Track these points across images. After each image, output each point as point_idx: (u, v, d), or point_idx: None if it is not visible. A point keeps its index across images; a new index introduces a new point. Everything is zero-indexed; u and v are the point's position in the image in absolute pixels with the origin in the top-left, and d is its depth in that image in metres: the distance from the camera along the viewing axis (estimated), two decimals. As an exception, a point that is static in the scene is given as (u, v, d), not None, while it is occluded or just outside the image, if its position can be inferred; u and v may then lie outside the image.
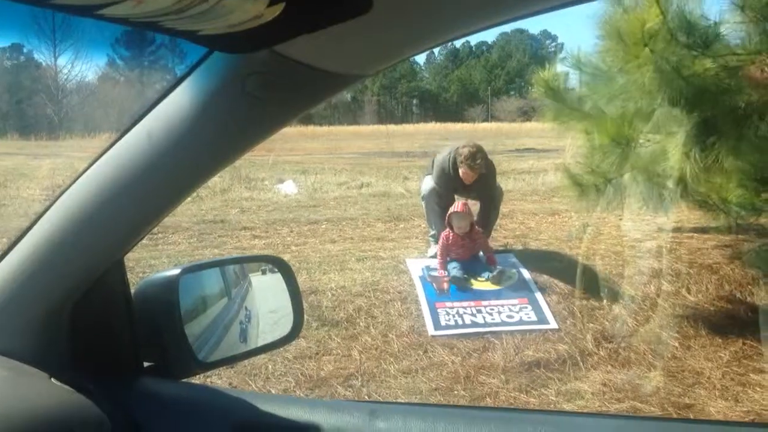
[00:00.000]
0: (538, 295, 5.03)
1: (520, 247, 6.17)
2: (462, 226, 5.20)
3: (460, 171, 5.62)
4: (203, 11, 0.55)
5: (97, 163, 0.98)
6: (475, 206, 5.81)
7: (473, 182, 5.70)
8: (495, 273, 5.11)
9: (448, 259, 5.23)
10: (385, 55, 0.81)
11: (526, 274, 5.33)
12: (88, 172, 0.99)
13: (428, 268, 5.36)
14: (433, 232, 5.93)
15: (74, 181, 1.01)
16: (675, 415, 3.68)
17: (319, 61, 0.78)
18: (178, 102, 0.88)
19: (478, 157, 5.58)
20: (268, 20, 0.60)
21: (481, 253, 5.37)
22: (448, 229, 5.26)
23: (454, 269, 5.15)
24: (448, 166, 5.77)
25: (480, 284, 5.15)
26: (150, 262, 5.47)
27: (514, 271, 5.33)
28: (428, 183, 5.91)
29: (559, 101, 5.26)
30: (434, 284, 5.12)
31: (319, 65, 0.78)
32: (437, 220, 5.82)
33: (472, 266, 5.24)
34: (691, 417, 3.65)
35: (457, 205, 5.27)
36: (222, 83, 0.85)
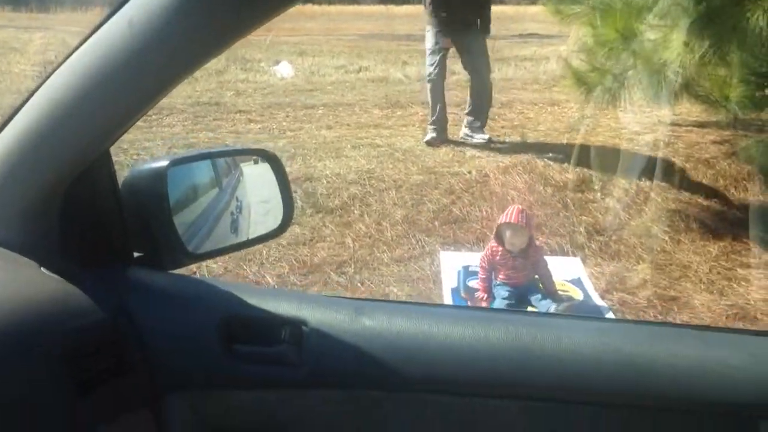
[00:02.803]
0: (609, 316, 3.75)
1: (518, 139, 6.14)
2: (516, 242, 3.74)
3: None
4: None
5: (79, 50, 0.94)
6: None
7: None
8: (561, 308, 3.66)
9: (495, 282, 3.85)
10: None
11: (592, 288, 4.05)
12: (70, 59, 0.95)
13: (466, 272, 4.10)
14: (433, 118, 5.93)
15: (55, 70, 0.97)
16: (660, 307, 3.77)
17: None
18: None
19: None
20: None
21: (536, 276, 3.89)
22: (496, 243, 3.81)
23: (503, 300, 3.75)
24: None
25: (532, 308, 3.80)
26: (144, 144, 5.44)
27: (579, 291, 4.00)
28: (428, 37, 5.96)
29: None
30: (469, 302, 3.90)
31: None
32: (439, 63, 5.91)
33: (526, 294, 3.83)
34: (675, 310, 3.74)
35: (511, 212, 3.76)
36: None
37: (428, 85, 6.03)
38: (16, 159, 1.02)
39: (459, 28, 5.78)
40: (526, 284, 3.82)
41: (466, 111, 6.04)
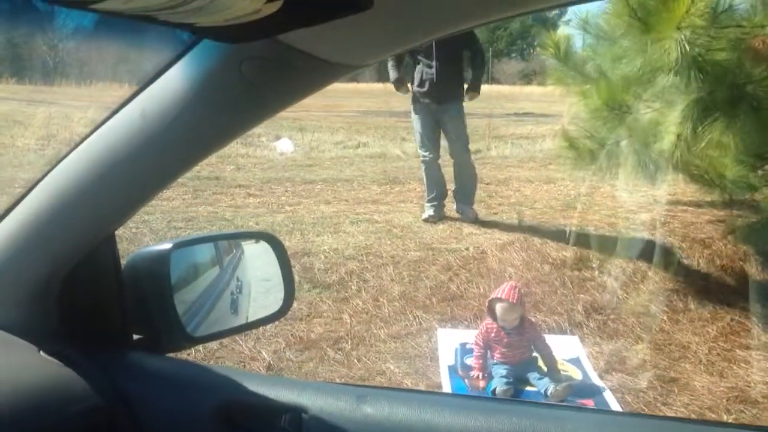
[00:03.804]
0: (608, 395, 3.66)
1: (515, 216, 6.18)
2: (508, 319, 3.72)
3: None
4: (199, 7, 0.53)
5: (91, 137, 0.97)
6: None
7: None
8: (560, 387, 3.56)
9: (492, 361, 3.80)
10: (384, 46, 0.80)
11: (590, 368, 3.97)
12: (82, 146, 0.98)
13: (463, 349, 4.00)
14: (431, 196, 5.97)
15: (68, 154, 1.00)
16: (660, 388, 3.73)
17: (318, 49, 0.77)
18: (173, 82, 0.87)
19: None
20: (266, 15, 0.58)
21: (534, 353, 3.83)
22: (490, 320, 3.79)
23: (501, 379, 3.66)
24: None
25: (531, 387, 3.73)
26: (143, 218, 5.46)
27: (577, 371, 3.93)
28: (415, 119, 6.00)
29: (566, 64, 5.21)
30: (466, 380, 3.79)
31: (318, 54, 0.77)
32: (429, 145, 5.93)
33: (524, 372, 3.74)
34: (676, 392, 3.70)
35: (504, 288, 3.77)
36: (218, 65, 0.83)
37: (422, 166, 6.07)
38: (21, 242, 1.04)
39: (440, 109, 5.85)
40: (524, 362, 3.77)
41: (453, 190, 6.08)
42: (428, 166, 5.97)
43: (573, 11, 5.13)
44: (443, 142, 6.06)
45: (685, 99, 4.19)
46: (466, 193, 6.01)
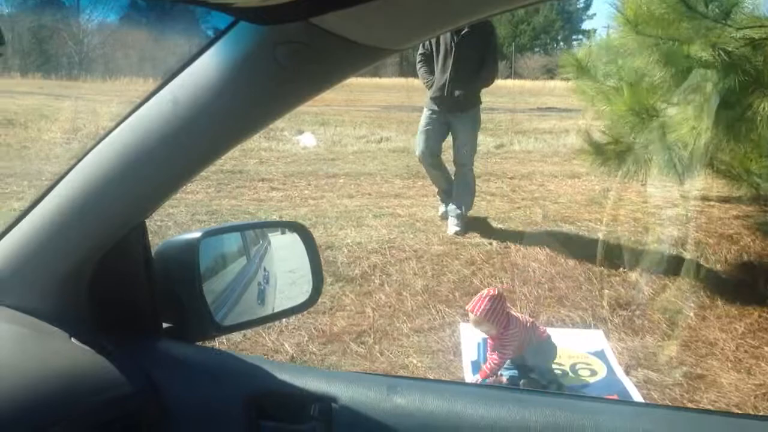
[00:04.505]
0: (633, 390, 3.63)
1: (539, 211, 6.14)
2: (480, 330, 3.71)
3: None
4: None
5: (122, 125, 0.97)
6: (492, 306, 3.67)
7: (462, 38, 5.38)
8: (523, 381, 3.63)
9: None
10: (419, 29, 0.78)
11: (615, 362, 3.94)
12: (113, 134, 0.98)
13: (486, 345, 3.88)
14: (443, 194, 5.85)
15: (99, 143, 1.00)
16: (686, 385, 3.69)
17: (352, 33, 0.76)
18: (205, 68, 0.87)
19: None
20: None
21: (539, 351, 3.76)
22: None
23: (508, 370, 3.68)
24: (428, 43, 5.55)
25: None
26: (168, 211, 5.49)
27: (602, 364, 3.90)
28: (424, 115, 5.73)
29: (589, 79, 5.26)
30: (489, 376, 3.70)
31: (352, 37, 0.76)
32: (427, 152, 5.65)
33: (531, 358, 3.72)
34: (702, 389, 3.65)
35: (476, 298, 3.61)
36: (251, 51, 0.82)
37: (420, 164, 5.85)
38: (52, 231, 1.04)
39: (453, 118, 5.58)
40: (526, 350, 3.68)
41: (452, 198, 5.74)
42: (428, 167, 5.78)
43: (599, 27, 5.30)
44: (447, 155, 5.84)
45: (705, 98, 4.19)
46: (462, 204, 5.61)
